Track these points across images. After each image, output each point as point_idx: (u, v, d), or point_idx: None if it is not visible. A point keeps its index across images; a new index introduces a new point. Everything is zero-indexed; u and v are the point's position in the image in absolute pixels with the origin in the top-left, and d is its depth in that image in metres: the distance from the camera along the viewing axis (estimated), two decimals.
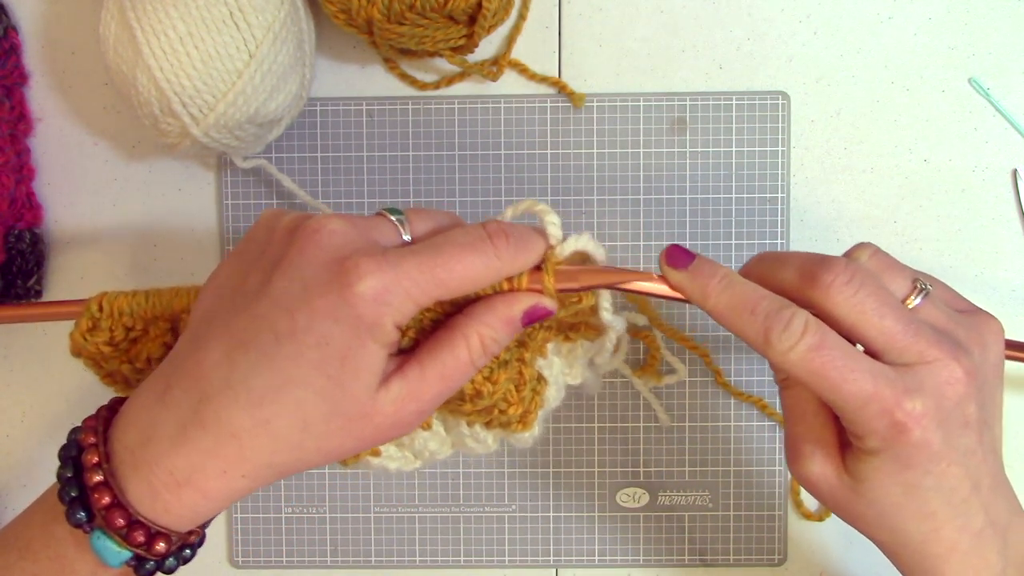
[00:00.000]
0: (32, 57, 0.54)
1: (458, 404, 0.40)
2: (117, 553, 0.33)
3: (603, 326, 0.40)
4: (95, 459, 0.34)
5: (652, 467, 0.55)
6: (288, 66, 0.48)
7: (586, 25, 0.54)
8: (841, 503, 0.38)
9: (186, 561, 0.36)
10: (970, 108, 0.54)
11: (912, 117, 0.54)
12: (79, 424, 0.36)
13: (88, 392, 0.55)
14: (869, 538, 0.39)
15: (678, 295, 0.38)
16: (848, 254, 0.38)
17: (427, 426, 0.42)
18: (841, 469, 0.38)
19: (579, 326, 0.42)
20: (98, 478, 0.33)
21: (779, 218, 0.54)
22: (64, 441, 0.36)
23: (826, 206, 0.54)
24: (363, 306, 0.33)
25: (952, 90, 0.54)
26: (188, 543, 0.35)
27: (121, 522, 0.33)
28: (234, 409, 0.33)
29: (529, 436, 0.42)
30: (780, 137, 0.54)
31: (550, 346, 0.42)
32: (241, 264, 0.36)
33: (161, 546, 0.34)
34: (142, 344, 0.42)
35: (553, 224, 0.37)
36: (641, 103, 0.54)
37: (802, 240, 0.54)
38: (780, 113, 0.54)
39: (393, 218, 0.36)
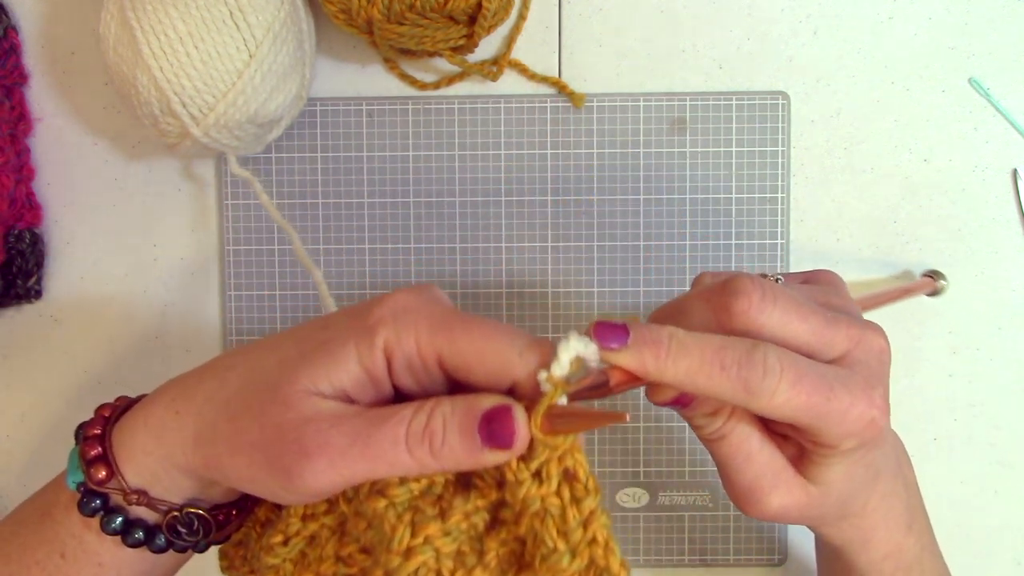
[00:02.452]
0: (32, 57, 0.54)
1: (364, 560, 0.33)
2: (76, 471, 0.35)
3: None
4: (116, 401, 0.37)
5: (652, 467, 0.55)
6: (288, 66, 0.48)
7: (586, 25, 0.54)
8: (810, 513, 0.38)
9: (120, 532, 0.35)
10: (970, 108, 0.54)
11: (912, 117, 0.54)
12: (79, 425, 0.37)
13: (88, 392, 0.55)
14: (821, 530, 0.40)
15: (636, 383, 0.33)
16: (695, 286, 0.38)
17: None
18: (806, 485, 0.37)
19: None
20: (106, 413, 0.36)
21: (779, 218, 0.54)
22: (61, 441, 0.37)
23: (826, 206, 0.54)
24: (378, 310, 0.32)
25: (952, 90, 0.54)
26: (128, 501, 0.35)
27: (97, 450, 0.35)
28: (223, 354, 0.36)
29: None
30: (780, 137, 0.54)
31: None
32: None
33: (103, 473, 0.34)
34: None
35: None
36: (641, 103, 0.54)
37: (802, 240, 0.54)
38: (780, 113, 0.54)
39: None
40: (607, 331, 0.32)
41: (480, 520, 0.32)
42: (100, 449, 0.35)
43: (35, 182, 0.55)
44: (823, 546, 0.46)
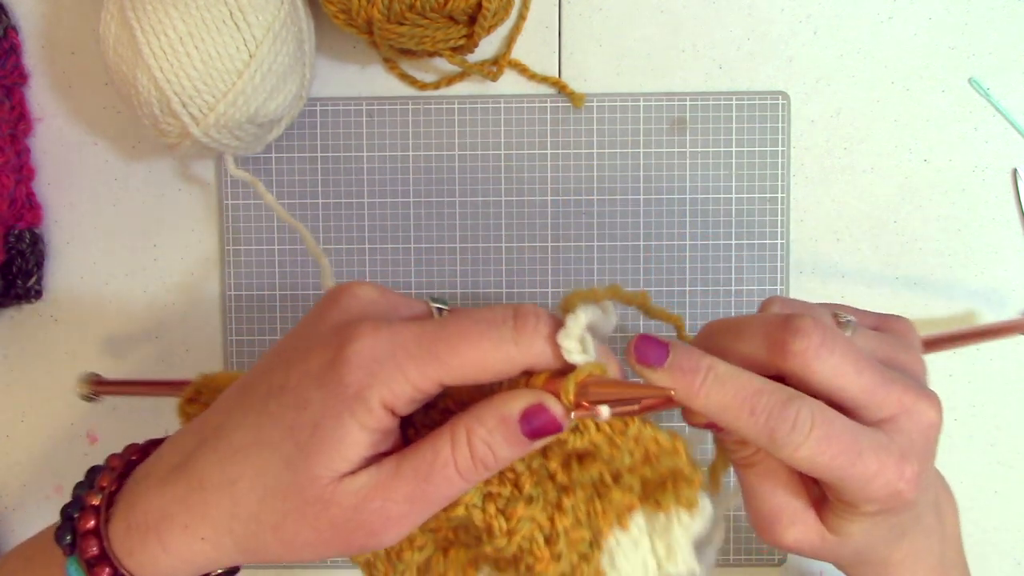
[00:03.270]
0: (32, 57, 0.54)
1: (476, 544, 0.34)
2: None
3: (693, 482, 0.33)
4: (104, 482, 0.33)
5: None
6: (288, 66, 0.48)
7: (586, 25, 0.54)
8: (822, 555, 0.37)
9: None
10: (970, 108, 0.54)
11: (912, 117, 0.54)
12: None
13: None
14: (845, 571, 0.40)
15: (667, 406, 0.32)
16: (763, 310, 0.37)
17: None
18: (822, 531, 0.36)
19: (666, 484, 0.34)
20: (95, 502, 0.33)
21: (779, 218, 0.54)
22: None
23: (826, 206, 0.54)
24: (350, 374, 0.30)
25: (952, 90, 0.54)
26: None
27: (94, 551, 0.32)
28: (211, 459, 0.32)
29: None
30: (780, 137, 0.54)
31: (638, 520, 0.34)
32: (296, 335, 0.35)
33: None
34: None
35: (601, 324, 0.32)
36: (641, 103, 0.54)
37: (802, 240, 0.54)
38: (780, 113, 0.54)
39: (434, 305, 0.34)
40: (647, 347, 0.32)
41: (540, 465, 0.33)
42: (97, 550, 0.32)
43: (35, 182, 0.55)
44: None
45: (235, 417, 0.32)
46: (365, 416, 0.30)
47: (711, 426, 0.34)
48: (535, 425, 0.31)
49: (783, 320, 0.34)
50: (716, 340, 0.35)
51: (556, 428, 0.31)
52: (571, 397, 0.30)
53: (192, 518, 0.32)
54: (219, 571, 0.35)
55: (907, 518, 0.37)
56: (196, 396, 0.41)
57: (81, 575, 0.32)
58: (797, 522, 0.36)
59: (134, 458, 0.35)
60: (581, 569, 0.33)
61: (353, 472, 0.30)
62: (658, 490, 0.34)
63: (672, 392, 0.32)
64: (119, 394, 0.51)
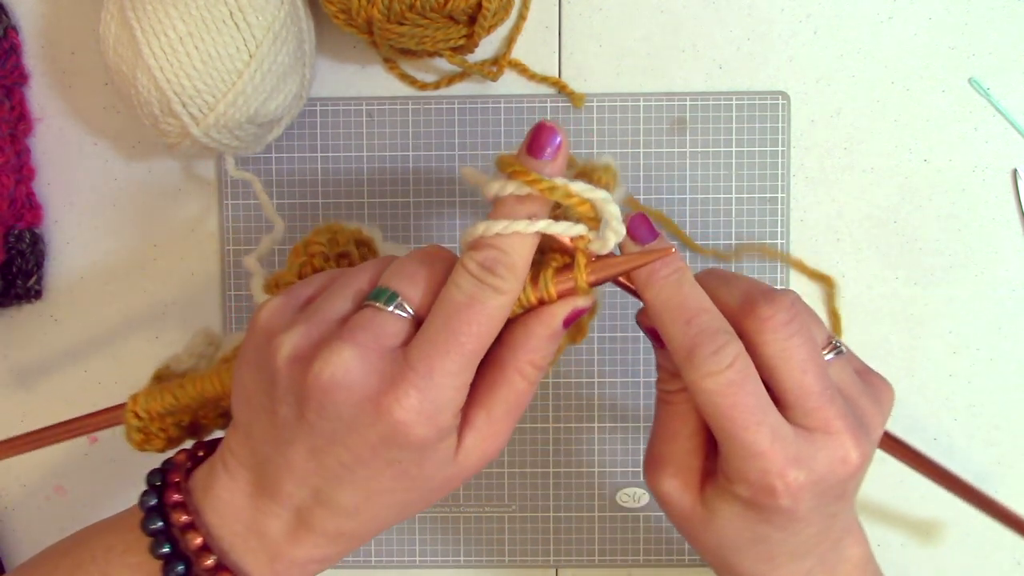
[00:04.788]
0: (32, 57, 0.54)
1: None
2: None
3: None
4: (198, 541, 0.34)
5: None
6: (288, 66, 0.48)
7: (586, 25, 0.54)
8: (686, 527, 0.38)
9: None
10: (970, 108, 0.54)
11: (912, 117, 0.54)
12: (147, 488, 0.36)
13: (88, 393, 0.55)
14: (702, 557, 0.39)
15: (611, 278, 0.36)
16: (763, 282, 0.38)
17: None
18: (697, 499, 0.37)
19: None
20: (210, 563, 0.34)
21: (779, 218, 0.54)
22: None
23: (826, 206, 0.54)
24: (420, 429, 0.32)
25: (952, 90, 0.54)
26: None
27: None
28: (335, 519, 0.34)
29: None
30: (780, 137, 0.54)
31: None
32: (257, 378, 0.35)
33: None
34: (204, 431, 0.42)
35: (607, 214, 0.35)
36: (641, 103, 0.54)
37: (802, 240, 0.54)
38: (780, 113, 0.54)
39: (389, 307, 0.34)
40: (639, 226, 0.36)
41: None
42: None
43: (35, 182, 0.55)
44: None
45: (320, 487, 0.34)
46: (449, 434, 0.34)
47: (654, 335, 0.36)
48: (572, 319, 0.35)
49: (767, 288, 0.35)
50: (707, 280, 0.37)
51: (586, 311, 0.35)
52: (587, 289, 0.35)
53: (344, 547, 0.35)
54: None
55: (778, 539, 0.36)
56: (147, 436, 0.40)
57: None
58: (679, 477, 0.37)
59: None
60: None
61: (460, 443, 0.34)
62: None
63: (672, 249, 0.35)
64: (15, 454, 0.46)
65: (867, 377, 0.39)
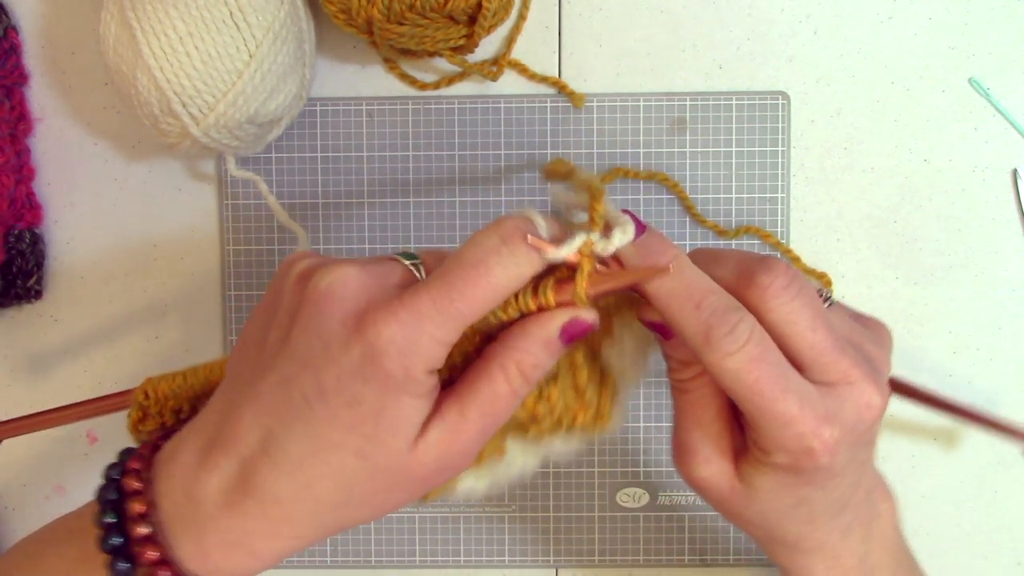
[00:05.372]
0: (32, 57, 0.54)
1: (521, 431, 0.37)
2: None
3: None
4: (141, 509, 0.33)
5: (652, 467, 0.55)
6: (288, 66, 0.48)
7: (586, 25, 0.54)
8: (728, 507, 0.38)
9: None
10: (970, 108, 0.54)
11: (912, 117, 0.54)
12: (114, 461, 0.35)
13: (88, 392, 0.55)
14: (742, 530, 0.39)
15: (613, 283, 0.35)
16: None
17: (499, 453, 0.38)
18: (734, 477, 0.37)
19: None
20: (144, 530, 0.33)
21: (779, 218, 0.54)
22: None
23: (826, 206, 0.54)
24: (390, 362, 0.31)
25: (952, 90, 0.54)
26: None
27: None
28: (275, 475, 0.32)
29: (613, 427, 0.38)
30: (780, 137, 0.54)
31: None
32: (264, 316, 0.35)
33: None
34: None
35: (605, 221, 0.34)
36: (641, 103, 0.54)
37: (802, 240, 0.54)
38: (780, 113, 0.54)
39: (407, 263, 0.35)
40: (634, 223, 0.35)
41: None
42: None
43: (35, 182, 0.55)
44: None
45: (277, 432, 0.32)
46: (418, 388, 0.32)
47: (660, 328, 0.36)
48: (573, 333, 0.34)
49: (759, 256, 0.35)
50: (695, 259, 0.37)
51: (590, 328, 0.34)
52: (585, 299, 0.33)
53: (276, 527, 0.33)
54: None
55: (819, 498, 0.36)
56: (144, 415, 0.40)
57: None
58: (712, 461, 0.37)
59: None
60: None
61: (423, 430, 0.33)
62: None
63: (669, 269, 0.34)
64: (25, 432, 0.46)
65: (864, 321, 0.40)
